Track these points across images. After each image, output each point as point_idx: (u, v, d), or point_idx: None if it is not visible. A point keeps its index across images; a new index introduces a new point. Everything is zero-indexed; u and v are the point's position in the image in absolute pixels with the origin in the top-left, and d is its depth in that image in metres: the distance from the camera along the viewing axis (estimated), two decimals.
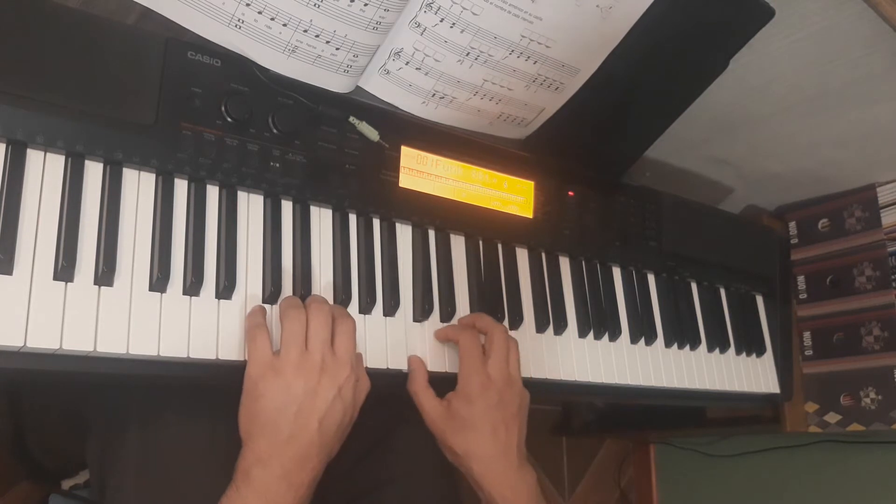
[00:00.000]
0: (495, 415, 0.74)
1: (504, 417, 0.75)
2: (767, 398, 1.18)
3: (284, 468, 0.63)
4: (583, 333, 0.94)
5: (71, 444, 0.92)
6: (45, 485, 1.05)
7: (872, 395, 1.18)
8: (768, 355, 1.17)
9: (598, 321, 0.96)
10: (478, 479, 0.74)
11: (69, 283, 0.61)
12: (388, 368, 0.77)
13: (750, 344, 1.14)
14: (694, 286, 1.12)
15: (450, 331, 0.81)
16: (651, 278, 1.06)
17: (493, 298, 0.87)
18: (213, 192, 0.71)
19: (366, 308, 0.77)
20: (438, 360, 0.80)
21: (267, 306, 0.71)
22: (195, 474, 0.75)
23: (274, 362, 0.65)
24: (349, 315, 0.71)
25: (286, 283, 0.73)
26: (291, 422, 0.64)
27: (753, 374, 1.13)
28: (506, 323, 0.87)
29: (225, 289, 0.68)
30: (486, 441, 0.74)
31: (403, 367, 0.78)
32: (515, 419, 0.76)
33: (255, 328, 0.67)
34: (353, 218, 0.80)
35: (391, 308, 0.79)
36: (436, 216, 0.85)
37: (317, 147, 0.76)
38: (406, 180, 0.82)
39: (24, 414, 0.98)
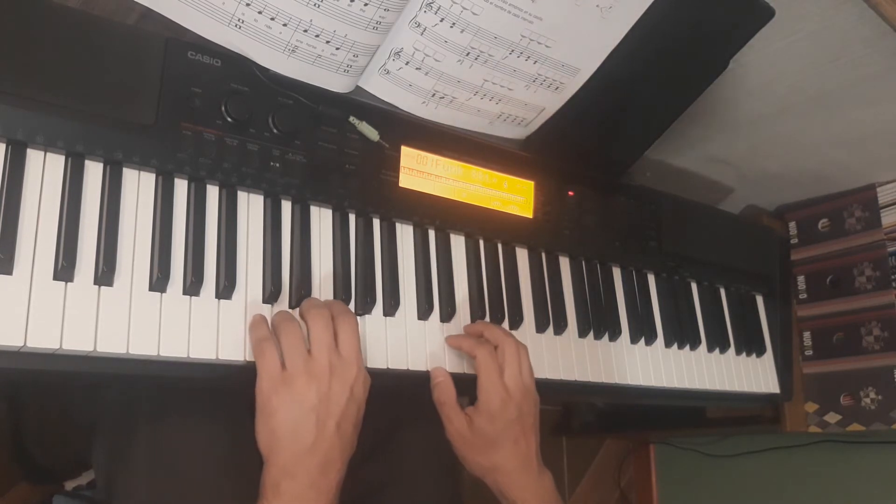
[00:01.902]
0: (516, 428, 0.76)
1: (523, 429, 0.77)
2: (767, 398, 1.18)
3: (311, 477, 0.64)
4: (583, 333, 0.94)
5: (71, 445, 0.91)
6: (43, 486, 1.05)
7: (872, 395, 1.18)
8: (768, 355, 1.17)
9: (598, 321, 0.96)
10: (503, 489, 0.76)
11: (69, 283, 0.61)
12: (388, 368, 0.77)
13: (750, 344, 1.14)
14: (694, 286, 1.12)
15: (464, 343, 0.80)
16: (651, 278, 1.06)
17: (493, 298, 0.87)
18: (213, 192, 0.71)
19: (366, 308, 0.77)
20: (438, 360, 0.80)
21: (267, 308, 0.71)
22: (206, 474, 0.75)
23: (284, 375, 0.65)
24: (349, 311, 0.71)
25: (286, 283, 0.73)
26: (311, 431, 0.64)
27: (753, 374, 1.13)
28: (506, 323, 0.87)
29: (225, 289, 0.68)
30: (509, 455, 0.76)
31: (404, 367, 0.78)
32: (532, 428, 0.78)
33: (262, 341, 0.66)
34: (352, 218, 0.80)
35: (391, 308, 0.79)
36: (436, 216, 0.85)
37: (317, 147, 0.76)
38: (406, 180, 0.82)
39: (23, 415, 0.98)
